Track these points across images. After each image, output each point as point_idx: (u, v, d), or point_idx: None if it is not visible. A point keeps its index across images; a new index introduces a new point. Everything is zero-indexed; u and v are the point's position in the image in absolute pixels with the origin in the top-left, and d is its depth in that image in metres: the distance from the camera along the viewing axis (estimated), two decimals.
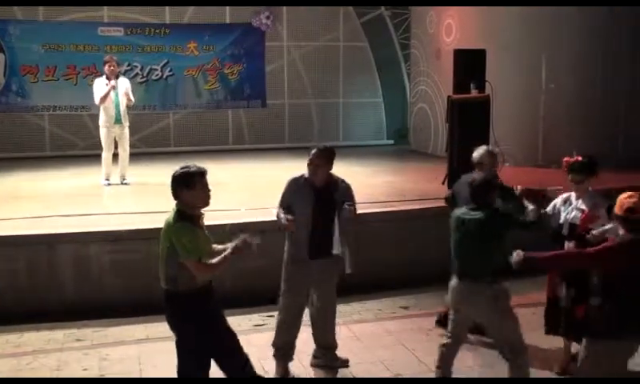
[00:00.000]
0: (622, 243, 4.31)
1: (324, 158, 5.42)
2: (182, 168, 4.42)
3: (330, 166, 5.48)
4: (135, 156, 12.03)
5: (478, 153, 6.31)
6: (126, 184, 10.50)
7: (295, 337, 5.65)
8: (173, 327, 4.50)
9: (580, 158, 5.68)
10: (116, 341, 6.48)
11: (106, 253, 7.25)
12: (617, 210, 4.37)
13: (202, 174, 4.44)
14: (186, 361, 4.50)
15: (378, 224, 8.20)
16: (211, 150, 14.61)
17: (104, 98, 10.22)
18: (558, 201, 5.74)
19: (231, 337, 4.65)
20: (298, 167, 12.91)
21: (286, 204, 5.46)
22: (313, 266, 5.45)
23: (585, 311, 4.60)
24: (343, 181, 5.59)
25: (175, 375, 5.61)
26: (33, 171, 11.98)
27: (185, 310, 4.40)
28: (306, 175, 5.48)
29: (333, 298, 5.65)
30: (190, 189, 4.36)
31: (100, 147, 10.56)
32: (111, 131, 10.40)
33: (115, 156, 10.55)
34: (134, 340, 6.48)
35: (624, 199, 4.36)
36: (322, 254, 5.43)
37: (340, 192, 5.48)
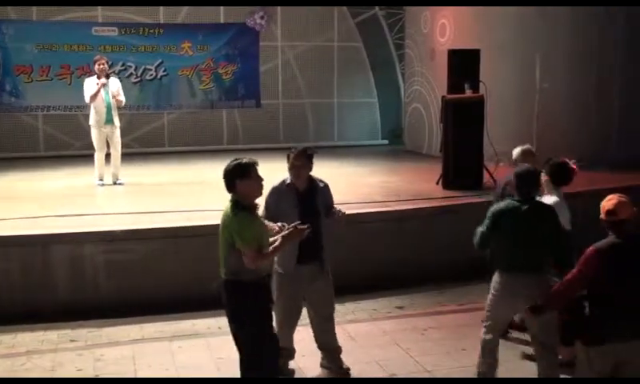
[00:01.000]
0: (598, 248, 4.26)
1: (305, 159, 5.36)
2: (234, 160, 4.56)
3: (311, 167, 5.42)
4: (129, 156, 12.03)
5: (515, 152, 6.53)
6: (120, 184, 10.47)
7: (292, 340, 5.58)
8: (234, 317, 4.57)
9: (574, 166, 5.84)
10: (111, 341, 6.46)
11: (101, 253, 7.22)
12: (602, 212, 4.31)
13: (254, 164, 4.59)
14: (251, 349, 4.60)
15: (372, 224, 8.20)
16: (205, 150, 14.61)
17: (94, 97, 10.18)
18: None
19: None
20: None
21: (270, 215, 5.20)
22: (304, 271, 5.34)
23: (575, 318, 4.55)
24: (321, 181, 5.53)
25: (175, 375, 5.63)
26: (27, 171, 11.94)
27: (248, 300, 4.49)
28: (288, 180, 5.40)
29: (330, 302, 5.58)
30: (245, 179, 4.49)
31: (93, 147, 10.52)
32: (102, 131, 10.35)
33: (108, 156, 10.52)
34: (129, 340, 6.47)
35: (604, 203, 4.33)
36: (312, 258, 5.32)
37: (321, 193, 5.42)
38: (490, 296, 5.12)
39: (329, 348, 5.64)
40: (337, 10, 15.69)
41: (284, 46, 15.52)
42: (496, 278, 5.04)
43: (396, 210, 8.42)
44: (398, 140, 15.59)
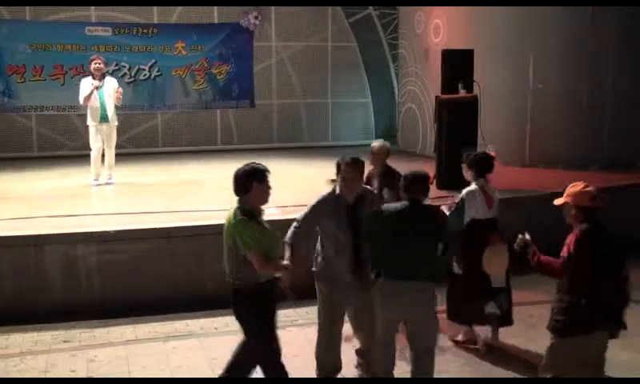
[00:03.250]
0: (584, 233, 4.29)
1: (358, 172, 5.08)
2: (248, 165, 4.61)
3: (363, 178, 5.28)
4: (123, 156, 12.01)
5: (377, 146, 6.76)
6: (109, 183, 10.46)
7: (339, 356, 5.33)
8: (240, 320, 4.69)
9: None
10: (104, 342, 6.45)
11: (94, 253, 7.21)
12: (580, 201, 4.33)
13: (268, 171, 4.62)
14: (259, 350, 4.70)
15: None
16: (199, 150, 14.60)
17: (87, 99, 10.18)
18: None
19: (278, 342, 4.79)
20: (287, 167, 13.05)
21: (307, 224, 5.13)
22: (352, 286, 5.09)
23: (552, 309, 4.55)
24: (372, 191, 5.38)
25: (169, 375, 5.63)
26: (20, 172, 11.91)
27: (249, 304, 4.58)
28: (337, 192, 5.13)
29: (372, 318, 5.17)
30: (261, 183, 4.55)
31: (89, 147, 10.50)
32: (99, 130, 10.36)
33: (103, 156, 10.51)
34: (123, 341, 6.46)
35: (584, 190, 4.35)
36: (363, 273, 5.03)
37: (370, 205, 5.12)
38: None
39: (367, 355, 5.44)
40: (331, 10, 15.70)
41: (278, 46, 15.51)
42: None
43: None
44: (392, 140, 15.58)
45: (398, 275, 4.72)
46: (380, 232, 4.77)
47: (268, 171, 4.61)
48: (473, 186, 5.99)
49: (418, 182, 4.88)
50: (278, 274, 4.63)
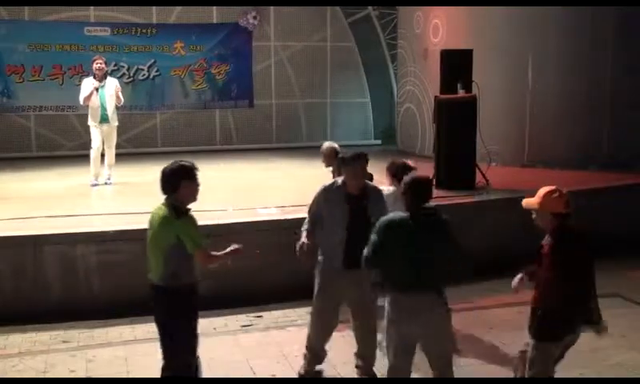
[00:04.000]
0: (557, 241, 4.32)
1: (364, 163, 5.22)
2: (177, 162, 4.57)
3: (366, 172, 5.33)
4: (122, 156, 11.98)
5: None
6: (109, 184, 10.46)
7: (326, 341, 5.48)
8: (165, 322, 4.56)
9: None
10: (103, 342, 6.44)
11: (93, 253, 7.20)
12: (555, 207, 4.35)
13: (197, 168, 4.62)
14: (178, 353, 4.57)
15: None
16: (199, 150, 14.58)
17: (87, 99, 10.18)
18: None
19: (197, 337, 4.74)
20: (286, 167, 13.06)
21: (316, 216, 5.29)
22: (347, 276, 5.18)
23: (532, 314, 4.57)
24: (375, 187, 5.40)
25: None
26: (19, 172, 11.90)
27: (183, 305, 4.52)
28: (339, 182, 5.29)
29: (373, 314, 5.36)
30: (191, 181, 4.53)
31: (88, 147, 10.49)
32: (100, 129, 10.37)
33: (103, 156, 10.51)
34: (121, 341, 6.45)
35: (558, 196, 4.38)
36: (357, 265, 4.93)
37: (373, 200, 5.23)
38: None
39: (364, 356, 5.51)
40: (330, 10, 15.70)
41: (277, 46, 15.51)
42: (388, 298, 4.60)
43: None
44: (391, 140, 15.60)
45: (406, 288, 4.41)
46: (386, 243, 4.45)
47: (197, 168, 4.61)
48: (393, 187, 6.09)
49: (422, 188, 4.60)
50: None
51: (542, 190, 4.45)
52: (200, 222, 7.53)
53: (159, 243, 4.49)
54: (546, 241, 4.39)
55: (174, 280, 4.48)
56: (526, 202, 4.52)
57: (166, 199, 4.54)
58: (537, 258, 4.43)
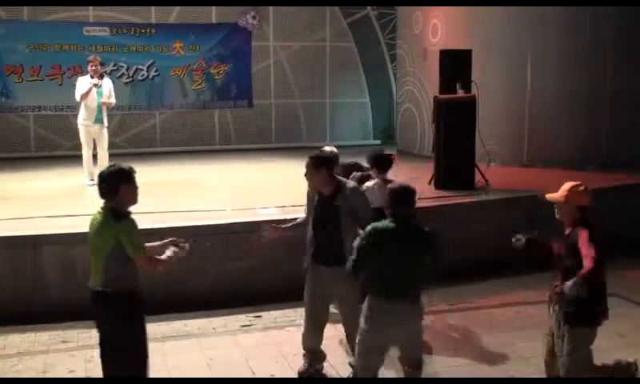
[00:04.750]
0: (592, 231, 4.44)
1: (310, 167, 5.35)
2: (114, 165, 4.53)
3: (321, 174, 5.33)
4: (121, 156, 11.93)
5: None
6: None
7: (316, 337, 5.58)
8: (109, 331, 4.41)
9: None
10: None
11: None
12: (582, 200, 4.57)
13: (135, 171, 4.57)
14: (126, 366, 4.42)
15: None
16: (197, 150, 14.60)
17: (85, 96, 10.17)
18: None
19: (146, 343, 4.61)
20: (285, 168, 13.05)
21: (306, 213, 5.61)
22: (325, 272, 5.33)
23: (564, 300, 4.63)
24: (352, 187, 5.41)
25: (167, 375, 5.62)
26: (18, 172, 11.89)
27: (126, 310, 4.38)
28: None
29: (355, 311, 5.23)
30: (129, 184, 4.46)
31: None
32: (90, 130, 10.36)
33: (95, 156, 10.50)
34: None
35: (583, 189, 4.62)
36: (330, 262, 5.23)
37: (347, 199, 5.27)
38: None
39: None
40: (329, 10, 15.70)
41: (276, 46, 15.51)
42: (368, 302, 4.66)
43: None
44: (390, 140, 15.60)
45: (388, 295, 4.49)
46: (370, 251, 4.50)
47: (134, 171, 4.56)
48: (374, 180, 6.49)
49: (405, 197, 4.64)
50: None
51: (567, 185, 4.67)
52: (199, 222, 7.60)
53: (99, 247, 4.38)
54: (573, 232, 4.53)
55: (116, 285, 4.34)
56: (551, 196, 4.69)
57: (105, 203, 4.46)
58: (564, 250, 4.58)
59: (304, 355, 5.62)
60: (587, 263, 4.35)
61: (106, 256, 4.33)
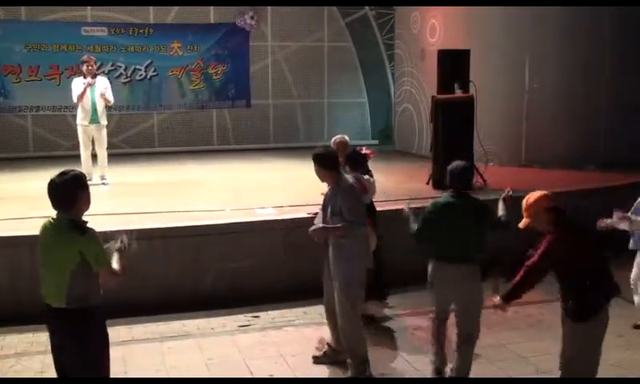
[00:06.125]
0: (561, 233, 4.49)
1: (314, 164, 5.46)
2: (67, 173, 4.15)
3: (321, 171, 5.44)
4: (119, 156, 11.99)
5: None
6: (105, 184, 10.44)
7: (332, 335, 5.83)
8: (77, 347, 4.04)
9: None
10: None
11: None
12: (545, 202, 4.55)
13: (86, 176, 4.34)
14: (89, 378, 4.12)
15: None
16: (196, 150, 14.59)
17: (81, 97, 10.18)
18: None
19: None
20: (283, 167, 13.01)
21: None
22: (327, 270, 5.58)
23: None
24: (347, 186, 5.43)
25: (165, 376, 5.62)
26: (16, 172, 11.88)
27: (95, 326, 4.11)
28: None
29: (342, 302, 5.49)
30: (85, 191, 4.18)
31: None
32: (87, 130, 10.36)
33: (94, 156, 10.50)
34: (119, 341, 6.42)
35: (539, 195, 4.59)
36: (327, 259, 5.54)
37: (337, 197, 5.37)
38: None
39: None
40: (327, 10, 15.69)
41: (274, 46, 15.51)
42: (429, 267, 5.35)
43: (386, 210, 8.41)
44: (388, 140, 15.61)
45: (451, 260, 5.13)
46: (433, 221, 5.20)
47: (86, 176, 4.32)
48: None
49: (464, 174, 5.33)
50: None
51: (523, 204, 4.65)
52: (197, 223, 7.60)
53: (61, 262, 4.02)
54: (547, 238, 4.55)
55: (82, 302, 4.03)
56: (523, 224, 4.66)
57: (60, 215, 4.10)
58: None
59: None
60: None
61: (71, 272, 3.99)
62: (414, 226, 5.32)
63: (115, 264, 4.16)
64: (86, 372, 4.08)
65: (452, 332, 5.34)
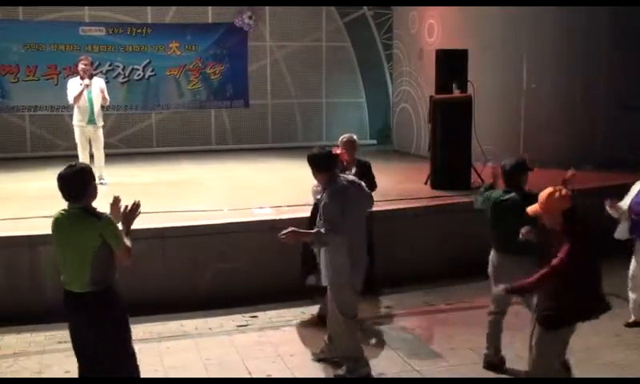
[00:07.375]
0: (576, 242, 4.40)
1: (309, 166, 5.46)
2: (75, 166, 4.43)
3: (317, 173, 5.43)
4: (117, 156, 11.97)
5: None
6: (103, 184, 10.42)
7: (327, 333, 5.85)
8: (100, 330, 4.37)
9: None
10: None
11: None
12: (564, 204, 4.48)
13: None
14: (119, 352, 4.49)
15: None
16: (194, 150, 14.58)
17: (77, 98, 10.18)
18: None
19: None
20: (281, 167, 13.00)
21: None
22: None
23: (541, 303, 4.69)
24: (331, 191, 5.37)
25: (163, 376, 5.62)
26: (13, 172, 11.88)
27: (116, 305, 4.46)
28: None
29: (331, 305, 5.54)
30: (93, 181, 4.52)
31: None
32: (84, 131, 10.35)
33: (92, 157, 10.48)
34: None
35: (561, 195, 4.51)
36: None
37: (322, 198, 5.38)
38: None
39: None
40: (325, 10, 15.69)
41: (272, 46, 15.50)
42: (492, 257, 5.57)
43: (384, 210, 8.42)
44: (387, 140, 15.61)
45: (514, 252, 5.29)
46: (497, 216, 5.52)
47: (91, 168, 4.61)
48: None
49: (519, 170, 5.63)
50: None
51: (545, 192, 4.58)
52: (196, 223, 7.60)
53: (82, 247, 4.30)
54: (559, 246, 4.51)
55: (103, 283, 4.35)
56: (531, 209, 4.64)
57: (73, 205, 4.36)
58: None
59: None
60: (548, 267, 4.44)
61: (92, 256, 4.28)
62: (479, 200, 5.72)
63: (128, 242, 4.43)
64: (109, 352, 4.40)
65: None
